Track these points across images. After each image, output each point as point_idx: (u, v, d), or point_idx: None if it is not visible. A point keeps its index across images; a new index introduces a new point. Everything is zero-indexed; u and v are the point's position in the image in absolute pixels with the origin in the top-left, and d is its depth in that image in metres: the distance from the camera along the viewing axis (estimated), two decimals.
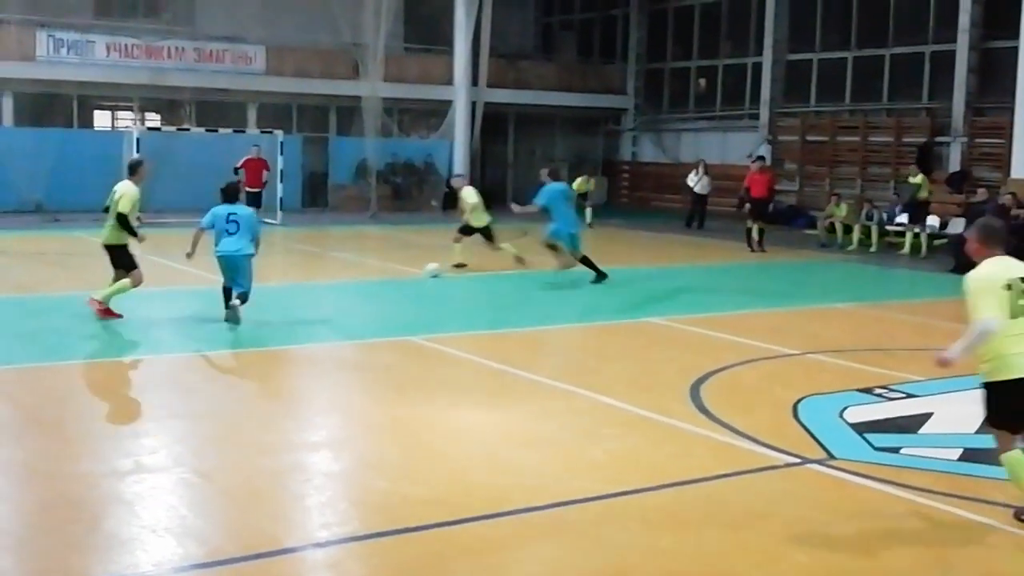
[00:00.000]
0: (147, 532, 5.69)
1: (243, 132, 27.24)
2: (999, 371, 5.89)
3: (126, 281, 11.63)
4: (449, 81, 30.99)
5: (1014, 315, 5.83)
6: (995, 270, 5.95)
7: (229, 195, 11.68)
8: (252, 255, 11.58)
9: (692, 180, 26.82)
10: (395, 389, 9.08)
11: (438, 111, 31.04)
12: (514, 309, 14.00)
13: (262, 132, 26.95)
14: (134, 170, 11.96)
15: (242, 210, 11.69)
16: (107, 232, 11.68)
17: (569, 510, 6.17)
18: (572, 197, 16.76)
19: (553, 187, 15.67)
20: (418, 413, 8.22)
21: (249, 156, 23.56)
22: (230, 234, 11.43)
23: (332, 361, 10.77)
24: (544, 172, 16.25)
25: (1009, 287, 5.86)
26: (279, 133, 26.16)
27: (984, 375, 5.98)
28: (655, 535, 5.87)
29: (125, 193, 11.53)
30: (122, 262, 11.71)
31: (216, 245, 11.52)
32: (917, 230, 21.65)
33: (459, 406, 8.50)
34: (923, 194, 21.85)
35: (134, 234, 11.67)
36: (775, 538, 5.86)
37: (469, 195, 17.00)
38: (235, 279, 11.47)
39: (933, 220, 22.27)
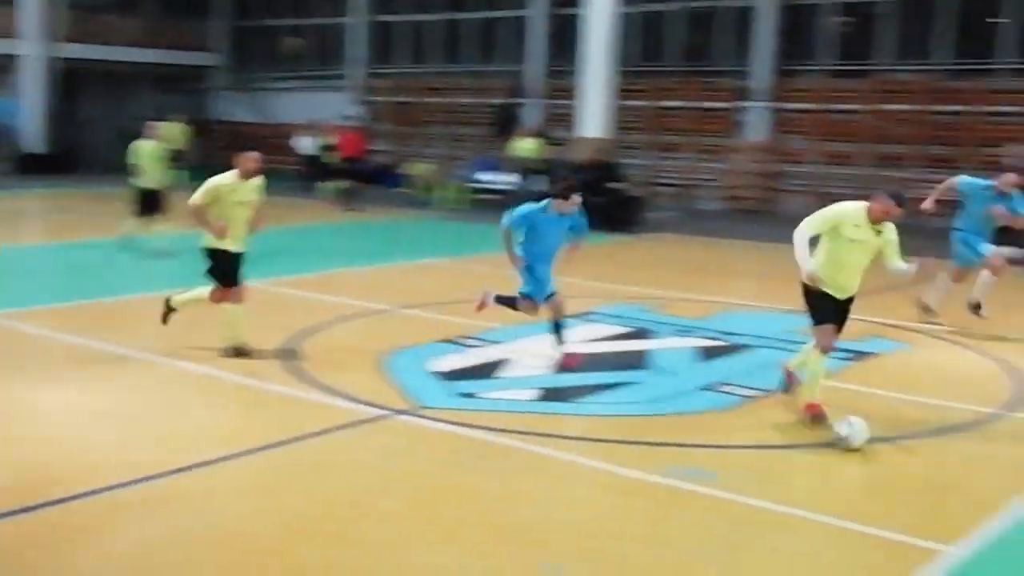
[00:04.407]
0: None
1: None
2: None
3: None
4: (17, 34, 28.56)
5: None
6: None
7: None
8: None
9: (300, 142, 25.35)
10: None
11: (5, 67, 28.53)
12: (97, 279, 13.25)
13: None
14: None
15: None
16: None
17: (150, 486, 5.97)
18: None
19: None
20: None
21: None
22: None
23: None
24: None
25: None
26: None
27: None
28: (244, 502, 5.82)
29: None
30: None
31: None
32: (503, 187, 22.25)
33: (36, 387, 7.93)
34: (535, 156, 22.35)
35: None
36: (363, 489, 6.03)
37: None
38: None
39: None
